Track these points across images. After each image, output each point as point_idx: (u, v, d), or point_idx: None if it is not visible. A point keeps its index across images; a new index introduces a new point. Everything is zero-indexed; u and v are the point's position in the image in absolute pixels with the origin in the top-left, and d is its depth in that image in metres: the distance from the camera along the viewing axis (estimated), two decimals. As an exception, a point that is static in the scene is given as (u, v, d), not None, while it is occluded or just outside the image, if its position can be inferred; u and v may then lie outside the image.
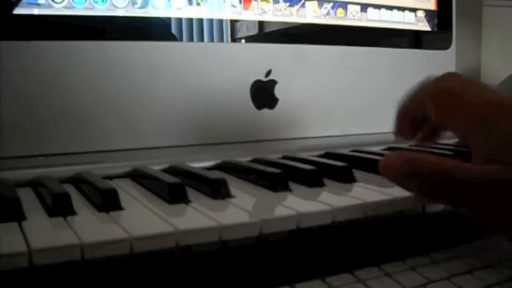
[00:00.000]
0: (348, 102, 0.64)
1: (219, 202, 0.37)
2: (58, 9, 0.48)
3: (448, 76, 0.37)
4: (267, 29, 0.61)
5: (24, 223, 0.31)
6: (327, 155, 0.53)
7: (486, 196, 0.31)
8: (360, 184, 0.42)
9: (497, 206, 0.31)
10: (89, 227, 0.31)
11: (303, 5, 0.61)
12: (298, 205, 0.35)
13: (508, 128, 0.31)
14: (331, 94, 0.63)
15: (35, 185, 0.41)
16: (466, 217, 0.34)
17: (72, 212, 0.33)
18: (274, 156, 0.51)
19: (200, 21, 0.56)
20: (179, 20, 0.55)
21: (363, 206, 0.36)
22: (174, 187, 0.37)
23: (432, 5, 0.72)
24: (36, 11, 0.47)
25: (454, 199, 0.33)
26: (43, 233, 0.30)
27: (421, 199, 0.36)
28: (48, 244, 0.27)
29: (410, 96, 0.38)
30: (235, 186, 0.40)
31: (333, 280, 0.32)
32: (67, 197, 0.34)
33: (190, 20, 0.55)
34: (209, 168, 0.48)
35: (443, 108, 0.35)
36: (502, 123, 0.31)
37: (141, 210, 0.35)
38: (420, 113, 0.37)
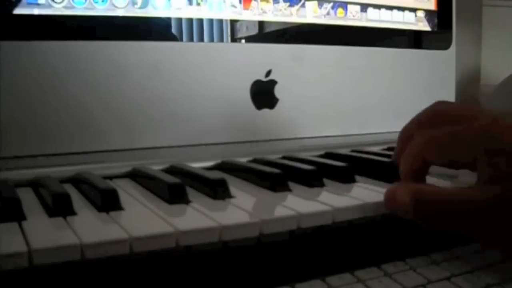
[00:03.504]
0: (348, 102, 0.64)
1: (219, 202, 0.37)
2: (58, 9, 0.48)
3: (435, 114, 0.37)
4: (267, 29, 0.61)
5: (24, 223, 0.31)
6: (327, 155, 0.53)
7: (489, 218, 0.31)
8: (360, 184, 0.42)
9: (501, 227, 0.31)
10: (89, 227, 0.31)
11: (303, 5, 0.61)
12: (298, 205, 0.35)
13: (507, 140, 0.31)
14: (331, 94, 0.63)
15: (35, 185, 0.41)
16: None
17: (72, 212, 0.33)
18: (274, 156, 0.51)
19: (200, 21, 0.56)
20: (179, 20, 0.55)
21: (363, 206, 0.36)
22: (174, 187, 0.37)
23: (432, 5, 0.72)
24: (36, 11, 0.47)
25: (459, 225, 0.32)
26: (43, 233, 0.30)
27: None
28: (48, 244, 0.27)
29: (407, 155, 0.36)
30: (235, 186, 0.40)
31: (333, 280, 0.32)
32: (67, 197, 0.34)
33: (190, 20, 0.55)
34: (209, 168, 0.48)
35: (447, 153, 0.34)
36: (503, 136, 0.31)
37: (141, 210, 0.35)
38: (422, 165, 0.36)
